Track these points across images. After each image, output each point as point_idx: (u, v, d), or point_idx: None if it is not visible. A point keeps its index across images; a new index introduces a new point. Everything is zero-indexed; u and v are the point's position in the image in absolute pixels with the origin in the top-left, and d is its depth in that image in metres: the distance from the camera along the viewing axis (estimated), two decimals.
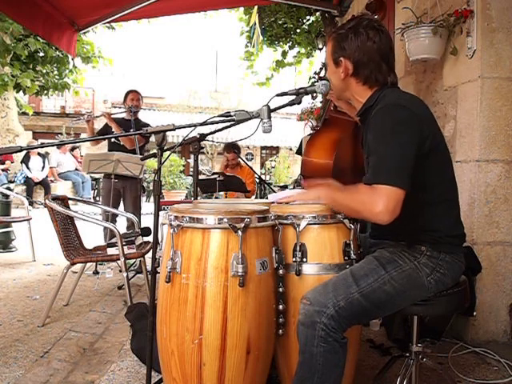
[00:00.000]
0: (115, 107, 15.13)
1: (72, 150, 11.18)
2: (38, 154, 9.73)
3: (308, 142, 2.50)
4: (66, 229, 2.79)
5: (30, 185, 9.38)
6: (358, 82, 1.45)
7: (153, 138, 1.53)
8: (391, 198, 1.19)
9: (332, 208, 1.46)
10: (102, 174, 4.09)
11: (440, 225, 1.39)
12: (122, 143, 3.94)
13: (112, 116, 3.99)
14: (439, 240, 1.36)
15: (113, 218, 3.91)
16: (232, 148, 4.58)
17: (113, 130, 3.90)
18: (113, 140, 4.02)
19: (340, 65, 1.44)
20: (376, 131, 1.32)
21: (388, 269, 1.33)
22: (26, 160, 9.51)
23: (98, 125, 4.21)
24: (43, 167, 9.74)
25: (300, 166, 2.71)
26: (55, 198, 2.74)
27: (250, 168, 3.63)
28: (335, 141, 2.40)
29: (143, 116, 4.32)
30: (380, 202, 1.19)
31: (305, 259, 1.45)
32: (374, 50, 1.40)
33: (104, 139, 3.89)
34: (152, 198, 9.59)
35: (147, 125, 4.06)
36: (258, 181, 5.24)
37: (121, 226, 4.11)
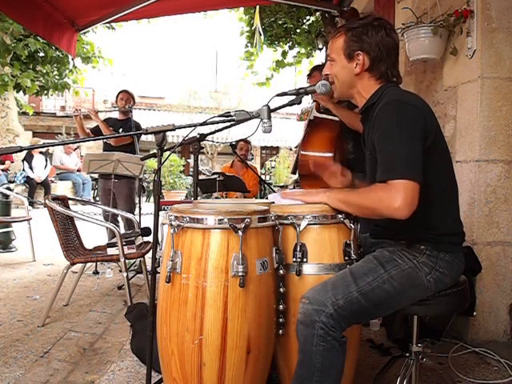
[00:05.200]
0: (115, 107, 15.11)
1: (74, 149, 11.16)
2: (41, 152, 9.72)
3: (303, 141, 2.50)
4: (66, 229, 2.79)
5: (32, 185, 9.34)
6: (370, 77, 1.45)
7: (153, 138, 1.53)
8: (409, 192, 1.20)
9: (340, 210, 1.44)
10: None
11: (440, 223, 1.39)
12: (113, 144, 3.92)
13: (101, 112, 3.96)
14: (439, 239, 1.37)
15: (114, 218, 3.91)
16: (246, 142, 4.65)
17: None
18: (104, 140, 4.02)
19: (354, 59, 1.43)
20: (382, 128, 1.32)
21: (387, 268, 1.33)
22: (28, 159, 9.46)
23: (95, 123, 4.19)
24: (46, 166, 9.73)
25: (294, 165, 2.71)
26: (55, 198, 2.74)
27: (254, 172, 3.65)
28: (331, 137, 2.42)
29: (143, 116, 4.34)
30: (398, 196, 1.19)
31: (305, 259, 1.45)
32: (392, 45, 1.42)
33: (103, 139, 3.91)
34: (152, 198, 9.59)
35: (138, 124, 4.05)
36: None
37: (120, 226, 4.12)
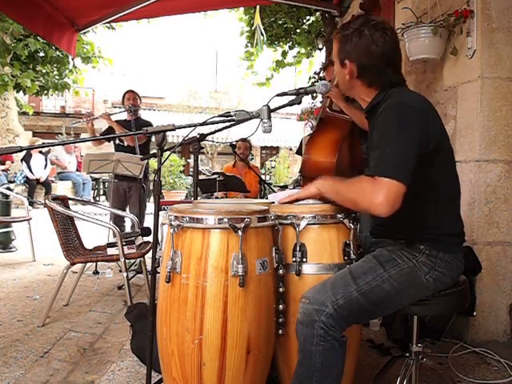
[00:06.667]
0: (115, 107, 15.12)
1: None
2: (40, 152, 9.71)
3: (308, 141, 2.49)
4: (66, 229, 2.79)
5: (32, 185, 9.33)
6: (362, 84, 1.45)
7: (153, 138, 1.53)
8: (392, 191, 1.19)
9: (332, 200, 1.44)
10: (109, 175, 4.12)
11: (440, 223, 1.39)
12: (126, 144, 3.95)
13: (112, 117, 4.01)
14: (439, 239, 1.36)
15: (121, 219, 3.92)
16: (245, 140, 4.64)
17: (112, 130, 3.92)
18: (117, 142, 4.04)
19: (345, 66, 1.44)
20: (381, 128, 1.33)
21: (387, 267, 1.33)
22: (27, 158, 9.43)
23: (99, 125, 4.22)
24: (45, 165, 9.72)
25: (300, 165, 2.70)
26: (55, 198, 2.74)
27: (255, 172, 3.63)
28: (337, 140, 2.39)
29: (143, 116, 4.34)
30: (380, 193, 1.19)
31: (305, 259, 1.45)
32: (378, 54, 1.38)
33: (103, 139, 3.92)
34: (152, 198, 9.57)
35: (148, 123, 4.08)
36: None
37: (127, 226, 4.12)
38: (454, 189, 1.45)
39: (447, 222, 1.40)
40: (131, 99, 4.03)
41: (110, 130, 4.01)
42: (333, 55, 1.51)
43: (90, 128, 3.95)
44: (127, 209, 4.04)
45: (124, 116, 4.16)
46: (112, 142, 4.12)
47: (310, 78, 6.09)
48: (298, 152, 4.58)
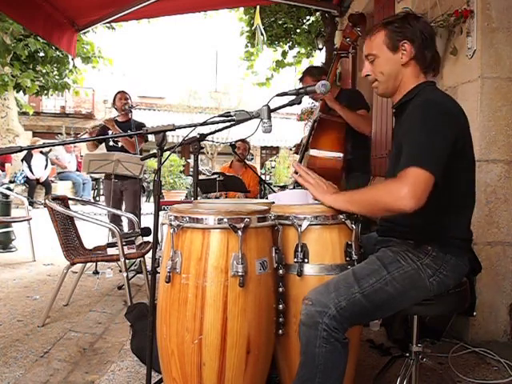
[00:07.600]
0: (115, 107, 15.10)
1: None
2: (41, 152, 9.71)
3: (311, 140, 2.54)
4: (66, 229, 2.79)
5: (32, 185, 9.33)
6: (415, 66, 1.43)
7: (153, 138, 1.53)
8: (419, 181, 1.14)
9: (347, 211, 1.43)
10: (103, 175, 4.12)
11: (453, 226, 1.37)
12: (119, 145, 3.94)
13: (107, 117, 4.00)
14: (449, 241, 1.35)
15: (118, 219, 3.91)
16: (244, 141, 4.64)
17: (112, 133, 3.90)
18: (111, 143, 4.02)
19: (399, 49, 1.41)
20: (406, 125, 1.32)
21: (390, 269, 1.32)
22: (28, 158, 9.43)
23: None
24: (46, 165, 9.72)
25: (306, 161, 2.72)
26: (55, 198, 2.74)
27: (254, 172, 3.63)
28: (339, 138, 2.47)
29: (143, 116, 4.34)
30: (405, 186, 1.14)
31: (306, 260, 1.45)
32: (433, 33, 1.42)
33: (104, 140, 3.93)
34: (152, 198, 9.58)
35: (143, 124, 4.07)
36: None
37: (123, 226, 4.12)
38: (471, 194, 1.42)
39: (460, 225, 1.39)
40: (123, 99, 4.00)
41: (102, 131, 3.98)
42: (373, 49, 1.44)
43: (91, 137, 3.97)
44: (123, 208, 4.04)
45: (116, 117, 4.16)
46: (104, 142, 4.10)
47: None
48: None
